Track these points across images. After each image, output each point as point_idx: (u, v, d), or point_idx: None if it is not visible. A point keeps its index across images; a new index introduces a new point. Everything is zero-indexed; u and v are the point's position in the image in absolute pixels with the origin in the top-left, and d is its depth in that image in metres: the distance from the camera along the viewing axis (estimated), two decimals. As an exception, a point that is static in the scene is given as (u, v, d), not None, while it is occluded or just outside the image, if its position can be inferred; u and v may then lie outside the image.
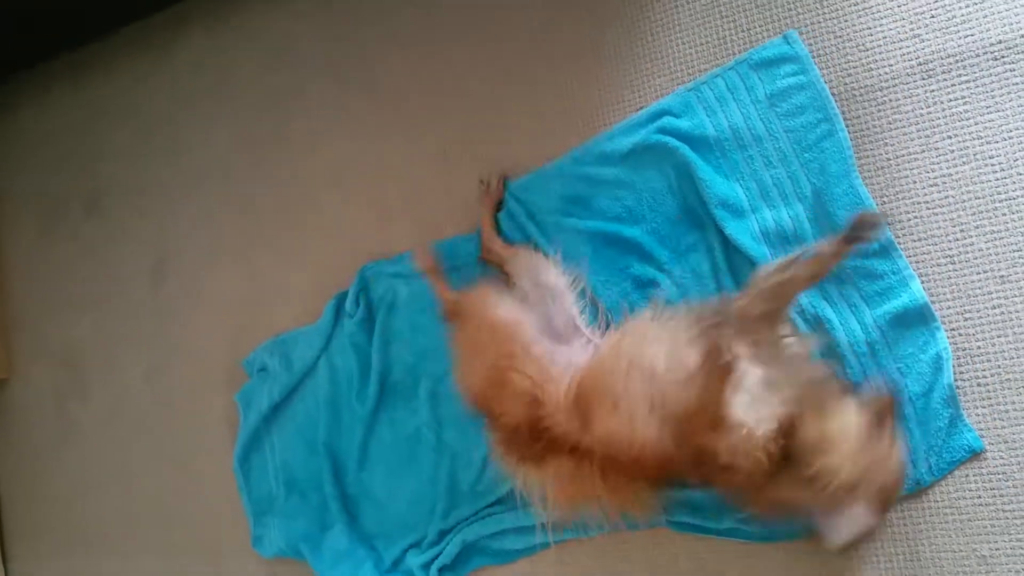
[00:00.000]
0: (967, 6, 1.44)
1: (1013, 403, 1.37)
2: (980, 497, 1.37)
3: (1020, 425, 1.36)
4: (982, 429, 1.38)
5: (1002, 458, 1.36)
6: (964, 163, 1.43)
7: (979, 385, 1.39)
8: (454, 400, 1.77)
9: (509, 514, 1.67)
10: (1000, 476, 1.36)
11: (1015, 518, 1.34)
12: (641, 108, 1.67)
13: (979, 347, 1.40)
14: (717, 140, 1.58)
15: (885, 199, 1.48)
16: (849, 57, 1.52)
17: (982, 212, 1.42)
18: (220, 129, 2.18)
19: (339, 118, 2.01)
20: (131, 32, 2.27)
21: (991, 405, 1.38)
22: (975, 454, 1.38)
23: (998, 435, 1.37)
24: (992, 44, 1.42)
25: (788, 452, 1.18)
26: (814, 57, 1.53)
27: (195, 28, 2.23)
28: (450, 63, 1.90)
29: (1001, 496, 1.36)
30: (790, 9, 1.57)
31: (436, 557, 1.74)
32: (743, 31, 1.61)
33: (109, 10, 2.14)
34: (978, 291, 1.41)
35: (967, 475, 1.38)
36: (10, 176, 2.53)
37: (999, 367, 1.38)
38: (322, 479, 1.90)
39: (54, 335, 2.41)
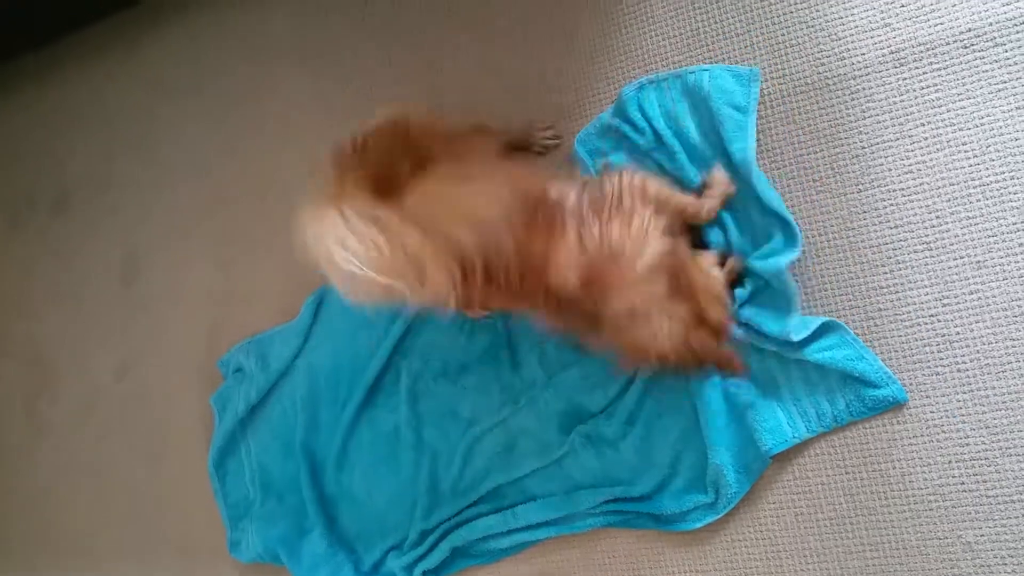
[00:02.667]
0: (937, -6, 1.39)
1: (993, 388, 1.31)
2: (963, 483, 1.31)
3: (1000, 410, 1.30)
4: (964, 415, 1.32)
5: (984, 444, 1.31)
6: (938, 150, 1.38)
7: (959, 371, 1.33)
8: (434, 397, 1.70)
9: (496, 517, 1.59)
10: (983, 462, 1.30)
11: (999, 503, 1.29)
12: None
13: (958, 333, 1.34)
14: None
15: (861, 187, 1.42)
16: (822, 46, 1.46)
17: (957, 198, 1.36)
18: (192, 122, 2.07)
19: (313, 107, 1.91)
20: (101, 28, 2.15)
21: (971, 391, 1.32)
22: (899, 405, 1.36)
23: (979, 420, 1.32)
24: (962, 32, 1.37)
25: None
26: (785, 49, 1.48)
27: (166, 22, 2.12)
28: (420, 50, 1.81)
29: (984, 482, 1.30)
30: (763, 0, 1.51)
31: (419, 559, 1.65)
32: (716, 22, 1.54)
33: (77, 7, 2.03)
34: (955, 277, 1.35)
35: (950, 461, 1.32)
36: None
37: (978, 352, 1.32)
38: (299, 481, 1.80)
39: (22, 334, 2.28)
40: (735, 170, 1.45)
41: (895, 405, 1.36)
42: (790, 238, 1.40)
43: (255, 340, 1.92)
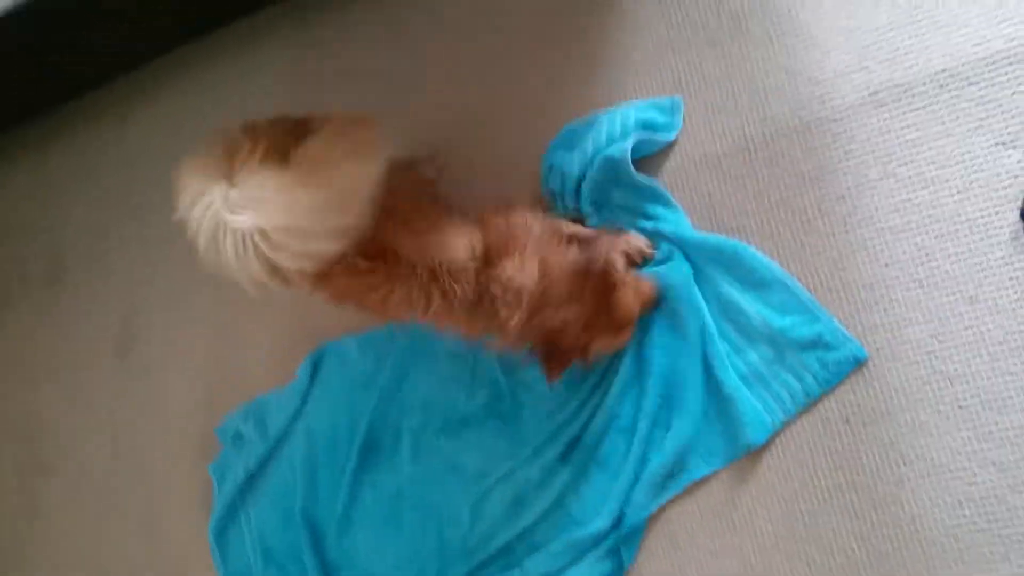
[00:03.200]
0: (909, 37, 1.41)
1: (996, 424, 1.30)
2: (975, 523, 1.29)
3: (1006, 446, 1.29)
4: (969, 452, 1.31)
5: (992, 481, 1.29)
6: (922, 188, 1.38)
7: (960, 408, 1.32)
8: (437, 453, 1.67)
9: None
10: (993, 500, 1.28)
11: (1014, 543, 1.26)
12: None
13: (956, 369, 1.33)
14: None
15: (848, 227, 1.42)
16: (801, 91, 1.48)
17: (945, 235, 1.36)
18: (180, 194, 2.06)
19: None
20: (89, 101, 2.16)
21: (975, 428, 1.31)
22: (861, 363, 1.38)
23: (985, 458, 1.30)
24: (936, 73, 1.39)
25: None
26: (765, 94, 1.50)
27: (152, 93, 2.13)
28: (407, 112, 1.82)
29: (997, 521, 1.28)
30: (740, 47, 1.52)
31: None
32: (696, 70, 1.56)
33: (66, 81, 2.05)
34: (949, 313, 1.35)
35: (959, 501, 1.30)
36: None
37: (978, 388, 1.31)
38: (300, 549, 1.76)
39: (18, 409, 2.24)
40: (613, 165, 1.52)
41: (858, 364, 1.38)
42: (667, 201, 1.53)
43: (253, 405, 1.89)
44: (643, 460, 1.49)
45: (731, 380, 1.44)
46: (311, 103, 1.89)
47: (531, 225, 1.36)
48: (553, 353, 1.38)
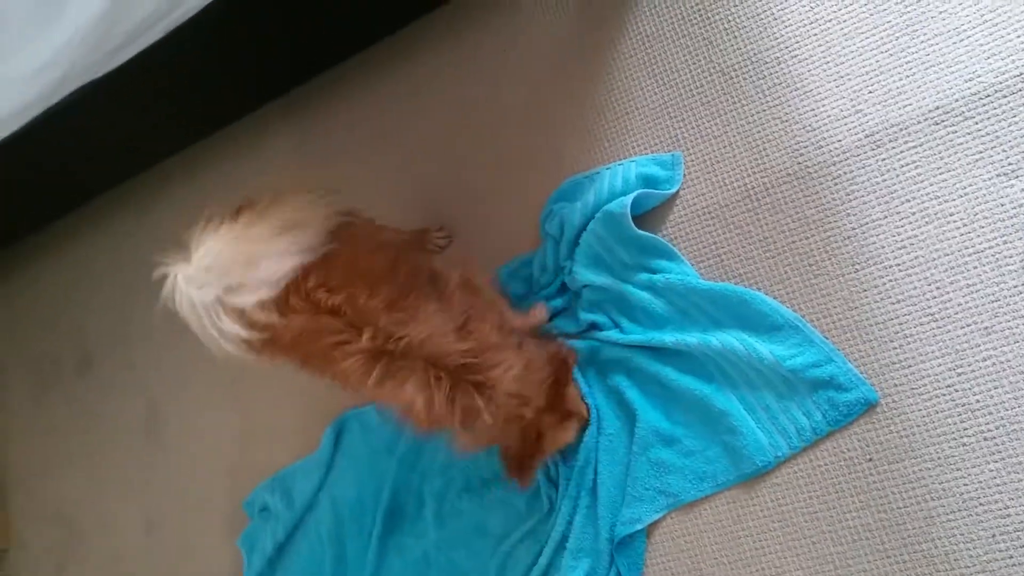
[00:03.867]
0: (900, 78, 1.45)
1: None
2: (1012, 557, 1.25)
3: (1036, 476, 1.26)
4: (999, 484, 1.28)
5: (1024, 513, 1.26)
6: (927, 223, 1.40)
7: (985, 439, 1.30)
8: (460, 516, 1.67)
9: None
10: (1028, 532, 1.25)
11: (1052, 575, 1.23)
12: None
13: (978, 401, 1.32)
14: None
15: (857, 266, 1.43)
16: (797, 138, 1.51)
17: (954, 268, 1.37)
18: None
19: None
20: (114, 193, 2.26)
21: (1002, 459, 1.29)
22: (872, 406, 1.38)
23: (1017, 488, 1.27)
24: (931, 110, 1.42)
25: None
26: (762, 144, 1.54)
27: (174, 180, 2.23)
28: (417, 179, 1.90)
29: (1032, 553, 1.24)
30: (733, 102, 1.57)
31: None
32: (692, 127, 1.61)
33: (91, 178, 2.15)
34: (965, 345, 1.34)
35: (993, 535, 1.27)
36: (3, 342, 2.47)
37: (1003, 419, 1.30)
38: (333, 620, 1.75)
39: (51, 496, 2.29)
40: (614, 220, 1.56)
41: (868, 406, 1.38)
42: (671, 254, 1.56)
43: (278, 477, 1.91)
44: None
45: (736, 410, 1.45)
46: (317, 178, 1.99)
47: (512, 320, 1.42)
48: (517, 457, 1.41)
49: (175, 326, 2.10)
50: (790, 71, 1.54)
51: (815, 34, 1.52)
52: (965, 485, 1.31)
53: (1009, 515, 1.27)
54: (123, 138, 1.96)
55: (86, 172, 2.10)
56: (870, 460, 1.37)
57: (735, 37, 1.59)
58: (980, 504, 1.29)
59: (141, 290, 2.22)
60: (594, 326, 1.61)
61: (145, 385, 2.18)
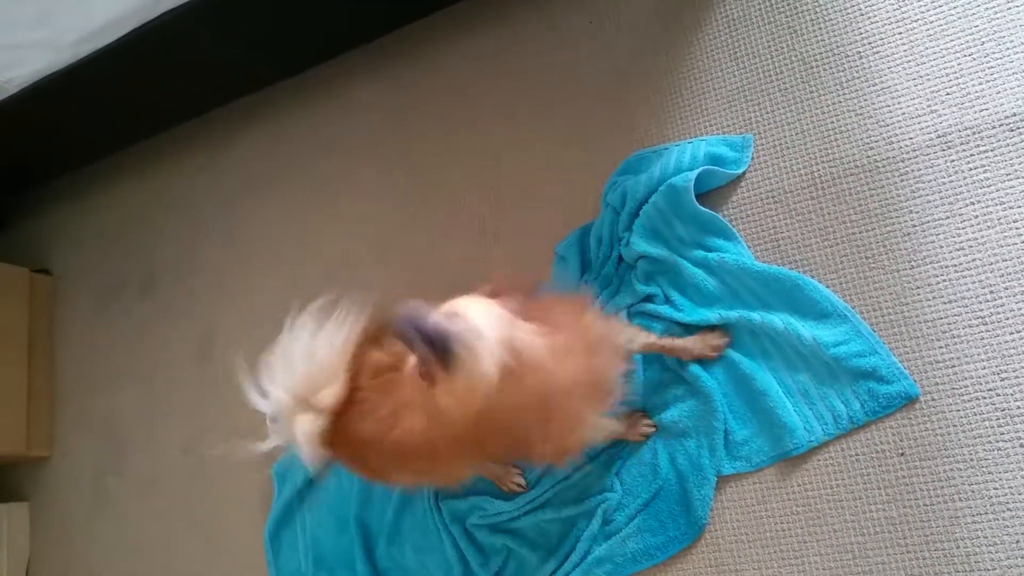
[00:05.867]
0: (980, 83, 1.53)
1: (1060, 463, 1.34)
2: (1041, 557, 1.32)
3: (1069, 485, 1.32)
4: (1030, 492, 1.35)
5: (1052, 518, 1.32)
6: (989, 227, 1.47)
7: (1021, 446, 1.36)
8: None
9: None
10: (1053, 535, 1.31)
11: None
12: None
13: (1019, 407, 1.38)
14: None
15: (913, 263, 1.51)
16: (870, 132, 1.60)
17: (1010, 274, 1.44)
18: (271, 212, 2.33)
19: (385, 198, 2.14)
20: (193, 126, 2.46)
21: (1037, 465, 1.35)
22: (912, 400, 1.46)
23: (1049, 496, 1.33)
24: (1007, 116, 1.49)
25: None
26: (835, 135, 1.63)
27: (253, 123, 2.42)
28: (486, 139, 2.03)
29: (1055, 555, 1.30)
30: (810, 91, 1.67)
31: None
32: (767, 112, 1.71)
33: (173, 107, 2.35)
34: (1013, 351, 1.41)
35: (1017, 541, 1.33)
36: (73, 257, 2.70)
37: (1041, 427, 1.36)
38: (352, 556, 1.89)
39: (98, 409, 2.49)
40: (676, 194, 1.66)
41: (909, 400, 1.44)
42: (729, 233, 1.66)
43: (318, 413, 2.06)
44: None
45: (774, 391, 1.54)
46: (395, 141, 2.15)
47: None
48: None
49: (234, 265, 2.34)
50: (870, 66, 1.62)
51: (900, 32, 1.61)
52: (995, 489, 1.37)
53: (1042, 520, 1.33)
54: (210, 67, 2.14)
55: (169, 99, 2.28)
56: (902, 455, 1.45)
57: (820, 28, 1.68)
58: (1008, 509, 1.35)
59: (207, 225, 2.44)
60: (648, 299, 1.71)
61: (203, 313, 2.37)
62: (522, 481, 1.73)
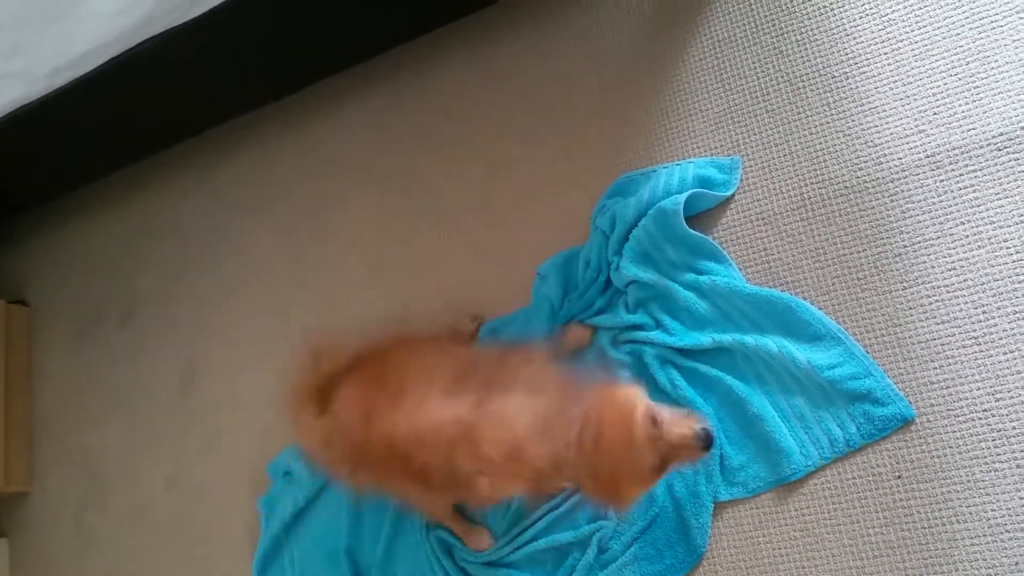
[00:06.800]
0: (966, 103, 1.55)
1: (1056, 484, 1.35)
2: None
3: (1065, 507, 1.34)
4: (1026, 513, 1.36)
5: (1050, 540, 1.33)
6: (979, 247, 1.49)
7: (1018, 467, 1.38)
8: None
9: None
10: (1051, 557, 1.32)
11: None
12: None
13: (1014, 428, 1.40)
14: None
15: (905, 284, 1.53)
16: (859, 153, 1.62)
17: (1002, 294, 1.46)
18: (259, 235, 2.32)
19: (377, 218, 2.14)
20: (178, 151, 2.44)
21: (1033, 487, 1.36)
22: (908, 422, 1.48)
23: (1044, 518, 1.35)
24: (994, 136, 1.52)
25: None
26: (823, 156, 1.65)
27: (241, 146, 2.41)
28: (477, 159, 2.04)
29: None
30: (798, 112, 1.69)
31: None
32: (755, 134, 1.73)
33: (158, 132, 2.33)
34: (1007, 371, 1.43)
35: (1017, 563, 1.34)
36: (51, 288, 2.68)
37: (1037, 447, 1.38)
38: (342, 587, 1.88)
39: (78, 443, 2.46)
40: (666, 218, 1.68)
41: (904, 423, 1.46)
42: (720, 256, 1.68)
43: (305, 444, 2.05)
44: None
45: (769, 415, 1.55)
46: (386, 162, 2.16)
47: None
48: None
49: (221, 291, 2.33)
50: (857, 87, 1.65)
51: (886, 52, 1.64)
52: (993, 511, 1.38)
53: (1036, 542, 1.35)
54: (194, 92, 2.14)
55: (154, 124, 2.27)
56: (899, 477, 1.46)
57: (806, 49, 1.71)
58: (1006, 531, 1.37)
59: (193, 251, 2.42)
60: (637, 327, 1.72)
61: (185, 344, 2.35)
62: (487, 540, 1.75)
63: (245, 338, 2.25)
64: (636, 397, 1.29)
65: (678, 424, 1.25)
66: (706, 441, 1.24)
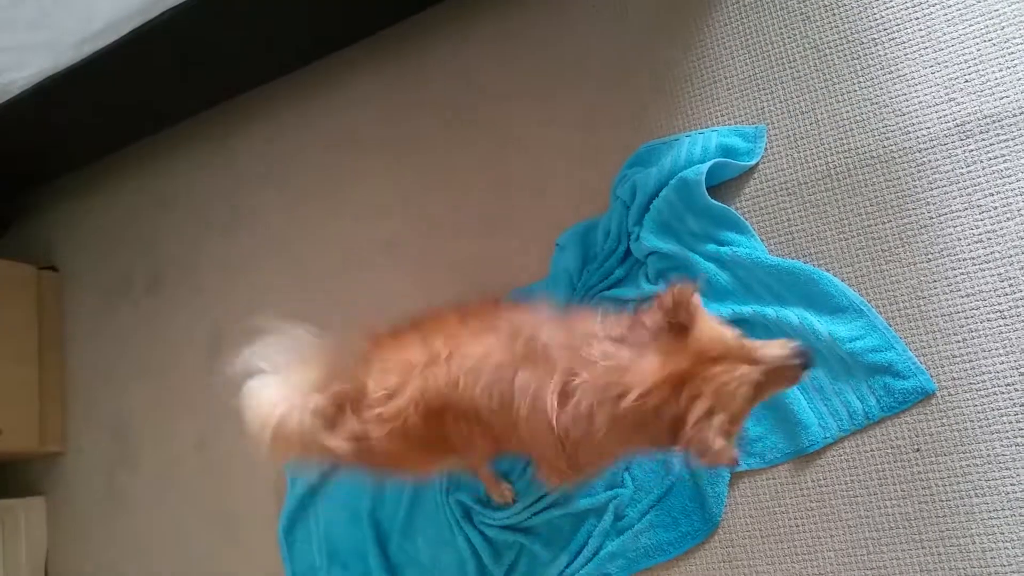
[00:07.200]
0: (1000, 70, 1.52)
1: (1077, 460, 1.34)
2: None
3: (1086, 482, 1.33)
4: (1046, 488, 1.36)
5: (1069, 516, 1.33)
6: (1008, 219, 1.47)
7: (1039, 441, 1.38)
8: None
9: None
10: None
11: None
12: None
13: (1038, 402, 1.39)
14: None
15: (930, 256, 1.51)
16: (886, 122, 1.59)
17: (1030, 266, 1.44)
18: (276, 207, 2.34)
19: (390, 191, 2.15)
20: (196, 122, 2.47)
21: (1054, 462, 1.36)
22: (928, 396, 1.47)
23: (1064, 493, 1.34)
24: (1028, 105, 1.49)
25: None
26: (850, 124, 1.62)
27: (257, 117, 2.43)
28: (493, 129, 2.04)
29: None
30: (825, 79, 1.66)
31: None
32: (780, 101, 1.70)
33: (177, 104, 2.37)
34: (1032, 346, 1.41)
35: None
36: (79, 255, 2.73)
37: (1059, 422, 1.37)
38: (365, 549, 1.93)
39: (109, 406, 2.53)
40: (687, 187, 1.66)
41: (925, 396, 1.46)
42: (742, 227, 1.67)
43: (330, 409, 2.09)
44: None
45: None
46: (400, 133, 2.16)
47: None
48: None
49: (242, 261, 2.36)
50: (886, 53, 1.62)
51: (917, 17, 1.60)
52: (1012, 485, 1.38)
53: (1054, 516, 1.35)
54: (211, 64, 2.16)
55: (172, 95, 2.31)
56: (918, 450, 1.46)
57: (834, 14, 1.67)
58: (1025, 505, 1.37)
59: (213, 220, 2.46)
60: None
61: (212, 310, 2.40)
62: (509, 494, 1.76)
63: (266, 307, 2.26)
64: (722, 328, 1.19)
65: (771, 346, 1.16)
66: (805, 358, 1.15)
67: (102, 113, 2.29)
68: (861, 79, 1.63)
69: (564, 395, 1.21)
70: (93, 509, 2.51)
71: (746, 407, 1.16)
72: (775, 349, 1.15)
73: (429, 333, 1.39)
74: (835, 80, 1.66)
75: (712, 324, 1.17)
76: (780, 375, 1.16)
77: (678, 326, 1.16)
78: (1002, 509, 1.38)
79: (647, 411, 1.14)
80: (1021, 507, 1.37)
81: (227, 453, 2.26)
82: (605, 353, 1.19)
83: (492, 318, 1.38)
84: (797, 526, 1.54)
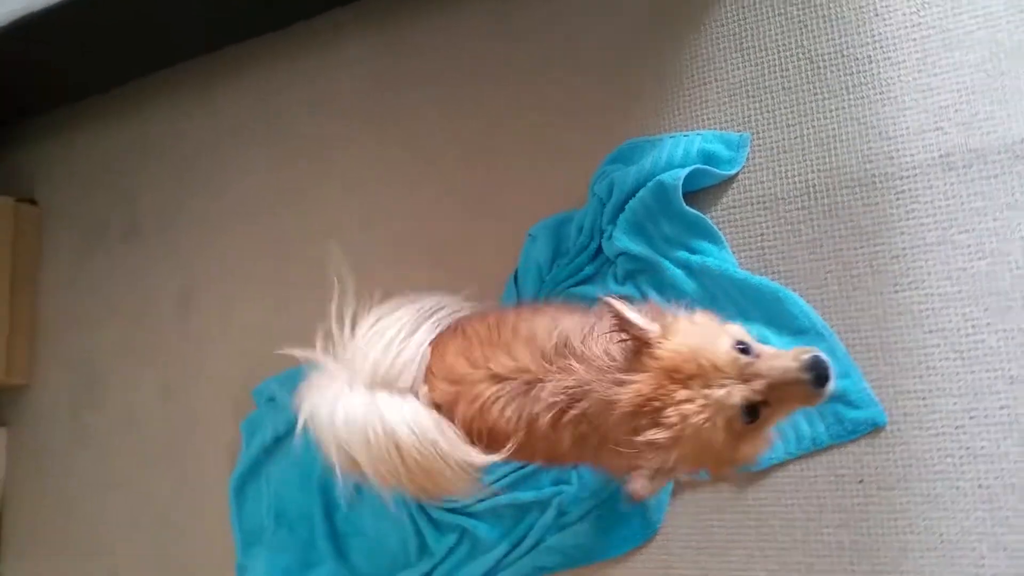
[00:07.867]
0: (991, 103, 1.47)
1: (1015, 510, 1.34)
2: (977, 608, 1.34)
3: (1021, 534, 1.33)
4: (981, 533, 1.36)
5: (1000, 568, 1.33)
6: (980, 258, 1.44)
7: (980, 487, 1.37)
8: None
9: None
10: (1000, 586, 1.33)
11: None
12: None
13: (983, 448, 1.38)
14: None
15: (898, 287, 1.49)
16: (871, 144, 1.56)
17: (995, 309, 1.42)
18: (259, 168, 2.31)
19: (376, 165, 2.12)
20: (179, 71, 2.44)
21: (991, 510, 1.35)
22: (878, 428, 1.46)
23: (998, 542, 1.34)
24: (1015, 142, 1.45)
25: None
26: (834, 143, 1.59)
27: (242, 72, 2.38)
28: (480, 107, 2.01)
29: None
30: (815, 93, 1.62)
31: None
32: (768, 112, 1.66)
33: (160, 48, 2.33)
34: (986, 390, 1.40)
35: (959, 581, 1.35)
36: (59, 195, 2.70)
37: (1002, 470, 1.36)
38: (312, 514, 1.95)
39: (77, 345, 2.53)
40: (664, 192, 1.64)
41: (875, 428, 1.45)
42: (715, 237, 1.65)
43: (291, 373, 2.07)
44: None
45: None
46: (387, 105, 2.12)
47: None
48: None
49: (221, 218, 2.34)
50: (879, 72, 1.57)
51: (914, 39, 1.55)
52: (948, 527, 1.38)
53: (983, 566, 1.34)
54: (200, 11, 2.12)
55: (156, 39, 2.26)
56: (860, 482, 1.46)
57: (831, 25, 1.63)
58: (958, 549, 1.37)
59: (196, 173, 2.43)
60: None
61: (185, 264, 2.38)
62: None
63: (241, 268, 2.27)
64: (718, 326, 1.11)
65: (778, 356, 1.04)
66: (816, 371, 1.01)
67: (86, 52, 2.25)
68: (851, 96, 1.59)
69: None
70: (55, 443, 2.52)
71: (723, 437, 1.03)
72: (777, 361, 1.04)
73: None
74: (825, 95, 1.62)
75: (684, 338, 1.07)
76: (787, 393, 1.04)
77: (638, 343, 1.09)
78: (934, 549, 1.38)
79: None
80: (953, 550, 1.37)
81: (189, 406, 2.27)
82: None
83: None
84: (733, 542, 1.54)
